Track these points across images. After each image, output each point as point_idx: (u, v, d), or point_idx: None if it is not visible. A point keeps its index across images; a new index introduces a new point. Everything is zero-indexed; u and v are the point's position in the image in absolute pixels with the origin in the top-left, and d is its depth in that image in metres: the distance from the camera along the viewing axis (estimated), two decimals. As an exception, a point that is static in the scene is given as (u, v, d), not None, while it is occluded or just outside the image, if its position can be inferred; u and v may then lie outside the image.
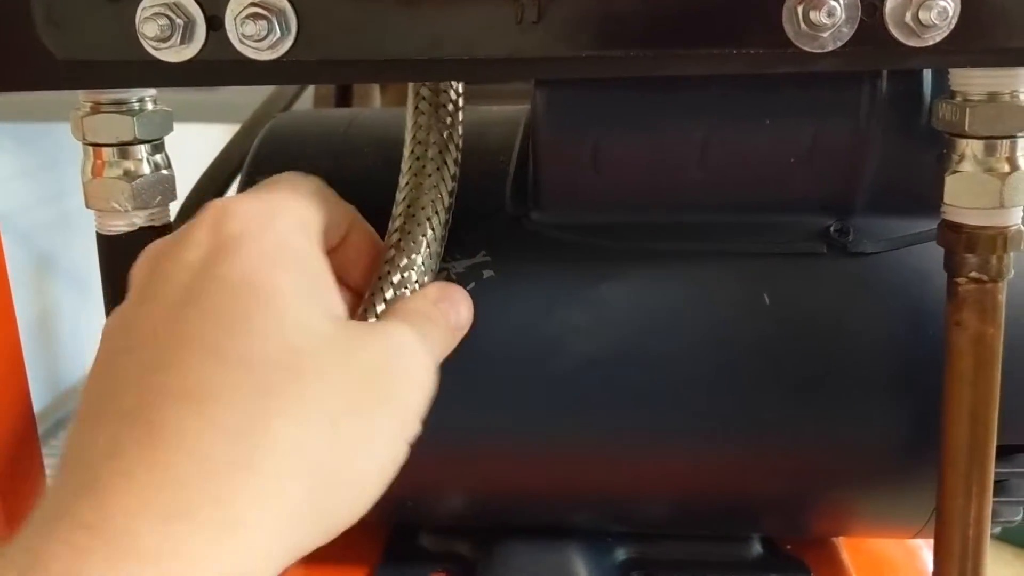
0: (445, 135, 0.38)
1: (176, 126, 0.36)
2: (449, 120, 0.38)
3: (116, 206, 0.34)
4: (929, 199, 0.34)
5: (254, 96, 0.58)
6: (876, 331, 0.37)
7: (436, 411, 0.39)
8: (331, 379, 0.27)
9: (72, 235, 1.60)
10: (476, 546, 0.45)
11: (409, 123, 0.38)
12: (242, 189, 0.41)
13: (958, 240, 0.33)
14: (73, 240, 1.62)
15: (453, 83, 0.38)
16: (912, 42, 0.29)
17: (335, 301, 0.30)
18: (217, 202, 0.30)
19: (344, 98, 0.69)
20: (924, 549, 0.58)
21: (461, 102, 0.39)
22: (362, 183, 0.41)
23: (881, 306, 0.37)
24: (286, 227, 0.29)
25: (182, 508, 0.24)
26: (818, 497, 0.41)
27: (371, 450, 0.29)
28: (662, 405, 0.38)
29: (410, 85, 0.39)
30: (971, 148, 0.32)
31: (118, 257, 0.35)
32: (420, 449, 0.40)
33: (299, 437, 0.26)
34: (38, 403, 0.38)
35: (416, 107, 0.38)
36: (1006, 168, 0.31)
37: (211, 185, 0.48)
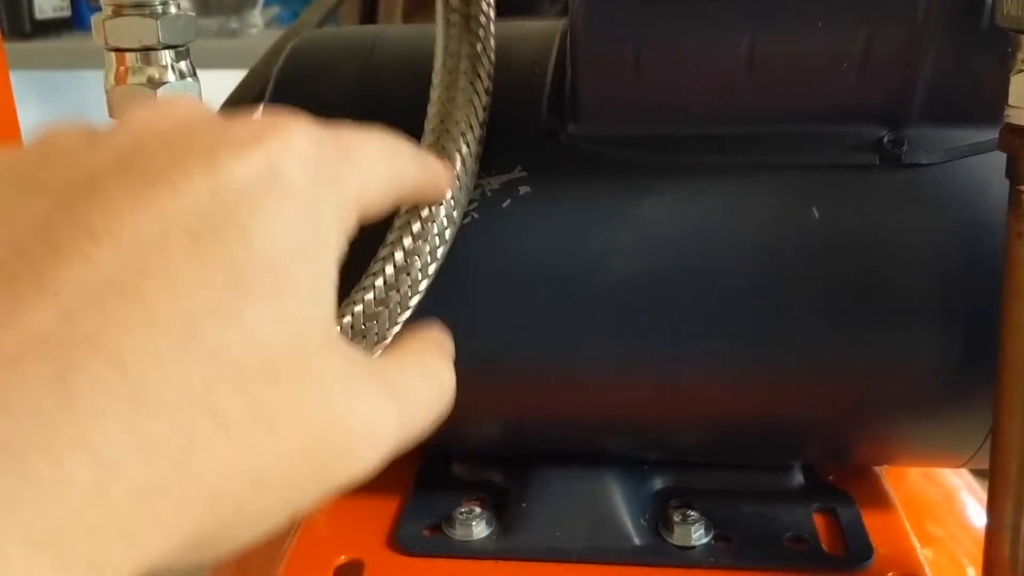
0: (478, 47, 0.36)
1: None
2: (481, 32, 0.37)
3: (141, 113, 0.33)
4: (990, 107, 0.32)
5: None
6: (931, 247, 0.35)
7: (469, 334, 0.38)
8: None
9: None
10: (510, 474, 0.44)
11: (440, 35, 0.37)
12: (270, 101, 0.40)
13: (1023, 145, 0.31)
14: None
15: None
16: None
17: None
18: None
19: (368, 20, 0.68)
20: (962, 490, 0.56)
21: (492, 14, 0.37)
22: (391, 96, 0.40)
23: (937, 221, 0.35)
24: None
25: None
26: (865, 422, 0.39)
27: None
28: (703, 326, 0.37)
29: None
30: (1039, 45, 0.30)
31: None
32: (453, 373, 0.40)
33: None
34: None
35: (447, 19, 0.37)
36: (1077, 65, 0.30)
37: (245, 96, 0.47)
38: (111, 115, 0.34)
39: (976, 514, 0.53)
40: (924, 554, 0.41)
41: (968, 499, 0.56)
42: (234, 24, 1.51)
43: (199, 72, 0.36)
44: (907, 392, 0.38)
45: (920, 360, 0.37)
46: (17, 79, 0.48)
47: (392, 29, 0.44)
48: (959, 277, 0.36)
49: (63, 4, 1.65)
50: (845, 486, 0.44)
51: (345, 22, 0.72)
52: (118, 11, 0.32)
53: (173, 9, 0.33)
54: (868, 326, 0.36)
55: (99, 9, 0.33)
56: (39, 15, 1.56)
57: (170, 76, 0.33)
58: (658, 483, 0.44)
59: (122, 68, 0.33)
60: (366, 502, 0.46)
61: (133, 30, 0.32)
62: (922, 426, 0.39)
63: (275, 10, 1.63)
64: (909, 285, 0.36)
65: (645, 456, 0.44)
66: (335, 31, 0.45)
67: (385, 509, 0.45)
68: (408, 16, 0.81)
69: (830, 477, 0.45)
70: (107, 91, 0.33)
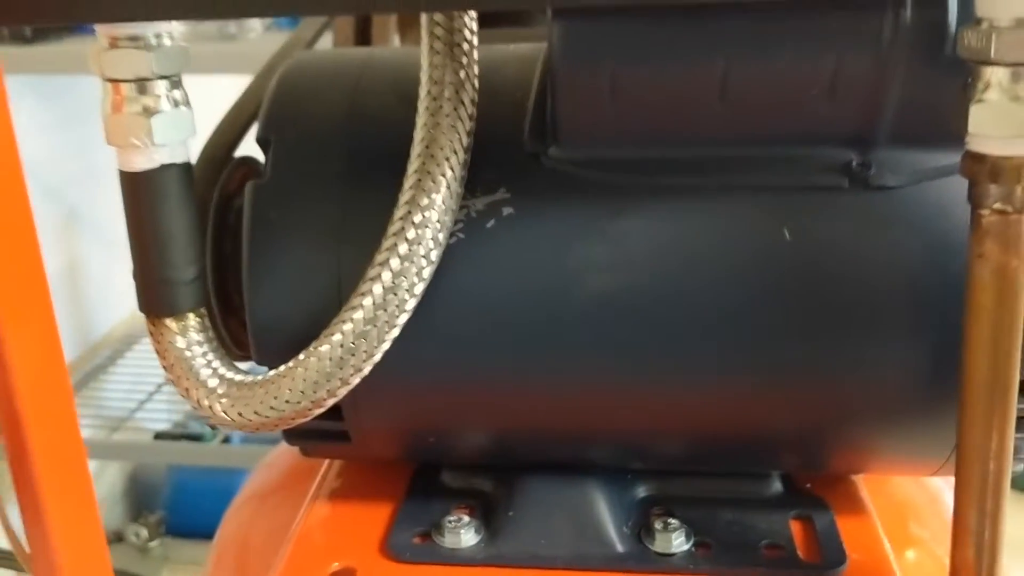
0: (461, 74, 0.38)
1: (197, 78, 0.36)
2: (464, 59, 0.38)
3: (136, 142, 0.34)
4: (952, 131, 0.34)
5: (273, 46, 0.58)
6: (898, 266, 0.37)
7: (455, 348, 0.40)
8: None
9: (98, 188, 1.61)
10: (497, 483, 0.46)
11: (424, 62, 0.38)
12: (261, 130, 0.41)
13: (982, 170, 0.32)
14: (99, 193, 1.63)
15: (467, 21, 0.38)
16: (937, -37, 0.29)
17: None
18: None
19: (363, 36, 0.69)
20: (946, 491, 0.58)
21: (475, 40, 0.38)
22: (379, 121, 0.41)
23: (904, 240, 0.37)
24: None
25: None
26: (838, 433, 0.41)
27: None
28: (680, 341, 0.38)
29: (423, 23, 0.38)
30: (996, 76, 0.31)
31: (141, 195, 0.35)
32: (442, 386, 0.41)
33: None
34: (68, 355, 0.38)
35: (431, 46, 0.38)
36: (1032, 95, 0.31)
37: (231, 126, 0.48)
38: (109, 142, 0.35)
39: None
40: (908, 555, 0.42)
41: (951, 498, 0.57)
42: (232, 28, 1.52)
43: (197, 76, 0.37)
44: (878, 404, 0.39)
45: (890, 374, 0.38)
46: (17, 83, 0.48)
47: (381, 52, 0.45)
48: (926, 294, 0.37)
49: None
50: (822, 493, 0.45)
51: (339, 35, 0.73)
52: (113, 43, 0.34)
53: (167, 41, 0.34)
54: (839, 341, 0.38)
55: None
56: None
57: (164, 105, 0.34)
58: (641, 491, 0.46)
59: (118, 97, 0.34)
60: (359, 509, 0.47)
61: (128, 62, 0.34)
62: (893, 437, 0.40)
63: (274, 14, 1.64)
64: (878, 302, 0.37)
65: (628, 465, 0.45)
66: (325, 53, 0.47)
67: (378, 516, 0.46)
68: (404, 30, 0.82)
69: (807, 485, 0.46)
70: (104, 120, 0.35)
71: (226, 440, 1.84)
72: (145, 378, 1.91)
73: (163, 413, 1.88)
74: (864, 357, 0.38)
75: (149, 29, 0.34)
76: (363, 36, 0.77)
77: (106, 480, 1.81)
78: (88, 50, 0.34)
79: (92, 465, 1.35)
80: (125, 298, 2.03)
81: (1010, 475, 0.37)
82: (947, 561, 0.50)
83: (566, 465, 0.45)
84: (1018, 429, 0.36)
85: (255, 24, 1.57)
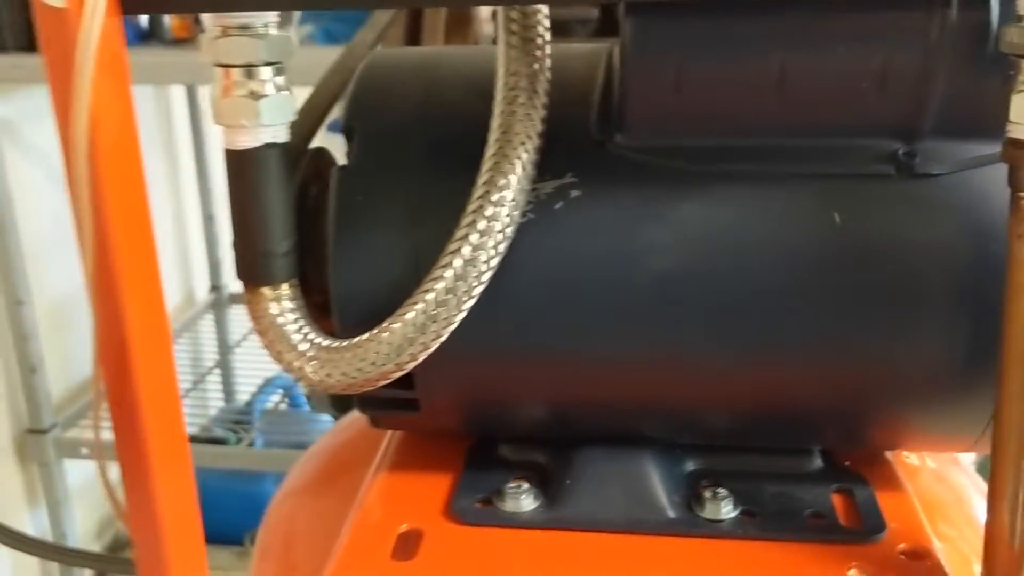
0: (535, 66, 0.41)
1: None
2: (538, 53, 0.41)
3: (244, 123, 0.37)
4: (994, 124, 0.37)
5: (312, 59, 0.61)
6: (942, 248, 0.39)
7: (521, 322, 0.42)
8: None
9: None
10: (553, 455, 0.48)
11: (501, 57, 0.41)
12: (346, 119, 0.44)
13: (1022, 156, 0.35)
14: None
15: (541, 16, 0.41)
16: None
17: None
18: None
19: (413, 40, 0.73)
20: (972, 491, 0.60)
21: (548, 36, 0.42)
22: (453, 111, 0.44)
23: (947, 225, 0.40)
24: None
25: None
26: (879, 409, 0.43)
27: None
28: (734, 320, 0.41)
29: (500, 20, 0.41)
30: (1036, 68, 0.34)
31: (244, 170, 0.39)
32: (506, 357, 0.44)
33: None
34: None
35: (508, 42, 0.41)
36: (1069, 86, 0.34)
37: (307, 118, 0.51)
38: (216, 122, 0.38)
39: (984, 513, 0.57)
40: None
41: (977, 499, 0.59)
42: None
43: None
44: (921, 379, 0.42)
45: (932, 349, 0.41)
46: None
47: (451, 50, 0.49)
48: (967, 275, 0.40)
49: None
50: (860, 470, 0.48)
51: (390, 41, 0.77)
52: (225, 32, 0.37)
53: (273, 30, 0.38)
54: (883, 320, 0.40)
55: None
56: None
57: (269, 89, 0.38)
58: (690, 465, 0.48)
59: (227, 82, 0.38)
60: (420, 479, 0.50)
61: (239, 49, 0.37)
62: (934, 412, 0.43)
63: (308, 28, 1.69)
64: (921, 283, 0.40)
65: (679, 439, 0.48)
66: (401, 51, 0.50)
67: (439, 485, 0.49)
68: (449, 35, 0.85)
69: (847, 463, 0.49)
70: (213, 102, 0.38)
71: (250, 444, 1.88)
72: (172, 383, 1.94)
73: (188, 418, 1.92)
74: (908, 334, 0.41)
75: (258, 19, 0.37)
76: (413, 42, 0.80)
77: (133, 481, 1.83)
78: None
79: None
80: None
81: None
82: (972, 558, 0.52)
83: (620, 439, 0.47)
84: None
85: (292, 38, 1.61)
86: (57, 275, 1.73)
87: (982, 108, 0.38)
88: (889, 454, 0.50)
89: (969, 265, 0.40)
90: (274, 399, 2.06)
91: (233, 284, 2.28)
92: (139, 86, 1.93)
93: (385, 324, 0.39)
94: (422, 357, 0.39)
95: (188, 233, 2.24)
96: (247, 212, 0.39)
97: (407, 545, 0.45)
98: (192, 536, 0.42)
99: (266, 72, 0.38)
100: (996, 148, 0.37)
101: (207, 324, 2.26)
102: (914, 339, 0.41)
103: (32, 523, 1.76)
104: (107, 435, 0.39)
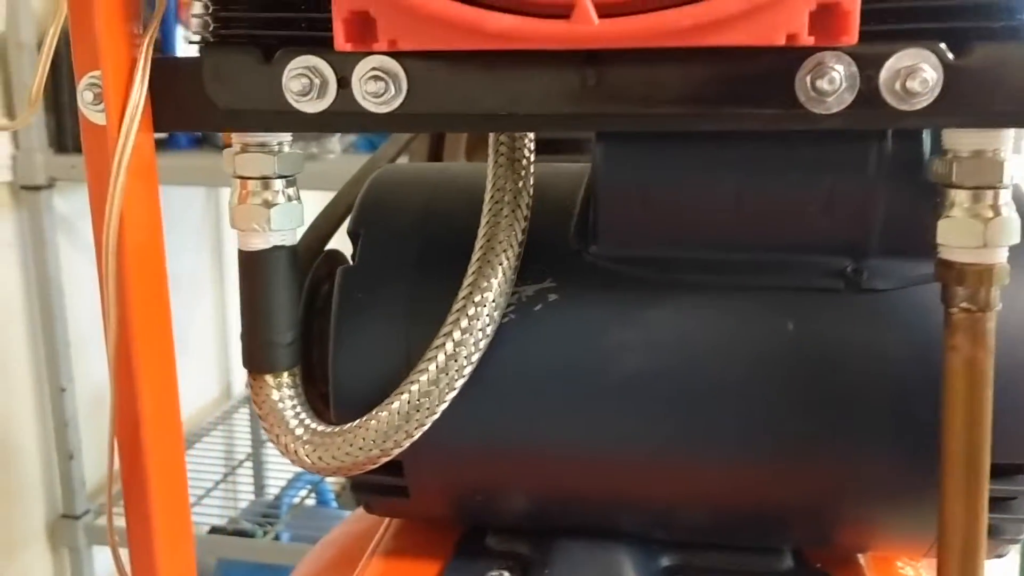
0: (519, 183, 0.46)
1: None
2: (523, 172, 0.46)
3: (256, 227, 0.42)
4: (931, 242, 0.40)
5: (349, 165, 0.67)
6: (886, 359, 0.43)
7: (503, 418, 0.46)
8: None
9: (180, 294, 1.72)
10: (535, 546, 0.51)
11: (489, 173, 0.46)
12: (352, 224, 0.49)
13: (951, 275, 0.38)
14: (181, 298, 1.73)
15: (527, 140, 0.46)
16: (903, 106, 0.36)
17: None
18: None
19: (435, 155, 0.79)
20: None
21: (532, 156, 0.46)
22: (448, 220, 0.49)
23: (891, 336, 0.43)
24: None
25: None
26: (839, 510, 0.46)
27: None
28: (699, 419, 0.44)
29: (490, 141, 0.47)
30: (959, 197, 0.38)
31: (255, 269, 0.43)
32: (488, 448, 0.47)
33: None
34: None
35: (495, 160, 0.46)
36: (989, 214, 0.37)
37: (324, 224, 0.56)
38: (232, 226, 0.43)
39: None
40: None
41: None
42: (314, 149, 1.65)
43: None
44: (871, 484, 0.44)
45: (882, 456, 0.43)
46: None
47: (454, 167, 0.54)
48: (912, 384, 0.43)
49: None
50: (830, 570, 0.50)
51: (415, 155, 0.83)
52: (245, 148, 0.42)
53: (286, 148, 0.43)
54: (836, 425, 0.43)
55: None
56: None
57: (280, 199, 0.43)
58: (665, 560, 0.50)
59: (244, 191, 0.43)
60: (410, 566, 0.53)
61: (256, 164, 0.42)
62: (887, 516, 0.45)
63: (352, 137, 1.78)
64: (870, 390, 0.43)
65: (654, 534, 0.51)
66: (408, 166, 0.55)
67: (427, 572, 0.52)
68: (471, 151, 0.91)
69: (818, 565, 0.51)
70: (231, 208, 0.43)
71: (276, 538, 1.89)
72: (203, 474, 1.98)
73: (217, 509, 1.95)
74: (859, 440, 0.43)
75: (273, 139, 0.42)
76: (435, 157, 0.86)
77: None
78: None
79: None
80: (194, 395, 2.14)
81: (985, 553, 0.41)
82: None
83: (598, 531, 0.50)
84: (992, 510, 0.41)
85: (335, 146, 1.71)
86: (99, 364, 1.79)
87: (921, 229, 0.42)
88: (865, 558, 0.52)
89: (913, 374, 0.42)
90: (302, 494, 2.08)
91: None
92: (192, 187, 2.03)
93: (373, 412, 0.43)
94: (406, 444, 0.43)
95: (229, 328, 2.32)
96: (255, 305, 0.44)
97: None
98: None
99: (279, 184, 0.43)
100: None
101: (242, 417, 2.31)
102: (864, 444, 0.43)
103: (58, 609, 1.79)
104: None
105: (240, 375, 2.38)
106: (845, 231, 0.43)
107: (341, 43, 0.36)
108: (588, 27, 0.33)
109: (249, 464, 2.26)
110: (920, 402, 0.42)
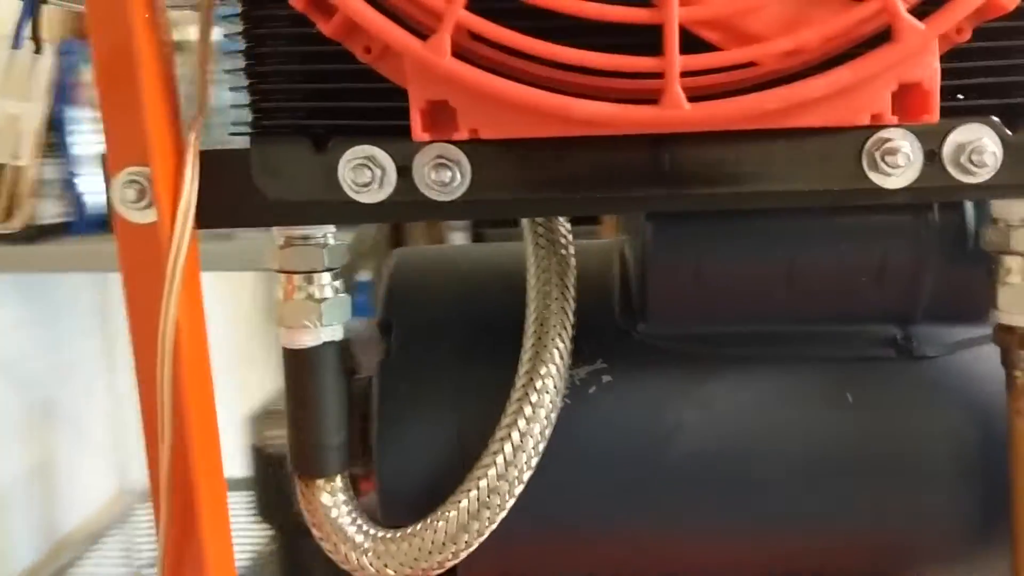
0: (564, 264, 0.45)
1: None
2: (564, 252, 0.45)
3: (307, 324, 0.40)
4: (977, 309, 0.41)
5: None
6: (944, 425, 0.43)
7: (561, 503, 0.44)
8: None
9: (71, 384, 1.62)
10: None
11: (530, 255, 0.45)
12: (382, 315, 0.47)
13: (1012, 339, 0.40)
14: (72, 388, 1.63)
15: (563, 220, 0.45)
16: (966, 179, 0.37)
17: None
18: None
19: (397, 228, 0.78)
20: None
21: (571, 236, 0.46)
22: (485, 305, 0.48)
23: (943, 403, 0.43)
24: None
25: None
26: (898, 576, 0.46)
27: None
28: (764, 496, 0.44)
29: (526, 224, 0.46)
30: (1016, 263, 0.39)
31: (304, 368, 0.41)
32: (543, 539, 0.46)
33: None
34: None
35: (535, 243, 0.45)
36: (1047, 278, 0.39)
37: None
38: (280, 324, 0.41)
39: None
40: None
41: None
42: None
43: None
44: (934, 551, 0.44)
45: (942, 523, 0.44)
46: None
47: (472, 248, 0.53)
48: (966, 449, 0.43)
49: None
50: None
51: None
52: (289, 242, 0.40)
53: (331, 240, 0.41)
54: (896, 494, 0.44)
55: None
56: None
57: (327, 293, 0.41)
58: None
59: (290, 286, 0.41)
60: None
61: (302, 257, 0.40)
62: (949, 579, 0.45)
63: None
64: (929, 458, 0.43)
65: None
66: (428, 249, 0.54)
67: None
68: (431, 223, 0.90)
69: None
70: (277, 305, 0.41)
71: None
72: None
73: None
74: (920, 508, 0.44)
75: (319, 231, 0.41)
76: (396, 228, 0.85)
77: None
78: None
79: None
80: (92, 492, 2.00)
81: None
82: None
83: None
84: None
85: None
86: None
87: (968, 296, 0.43)
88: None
89: (967, 439, 0.43)
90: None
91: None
92: (80, 273, 1.92)
93: (439, 512, 0.41)
94: (476, 544, 0.41)
95: (125, 416, 2.19)
96: (305, 407, 0.41)
97: None
98: None
99: (326, 277, 0.41)
100: (982, 331, 0.42)
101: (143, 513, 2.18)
102: (925, 513, 0.44)
103: None
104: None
105: (139, 465, 2.25)
106: (894, 300, 0.44)
107: (419, 133, 0.35)
108: (679, 112, 0.33)
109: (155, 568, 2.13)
110: (979, 468, 0.43)
